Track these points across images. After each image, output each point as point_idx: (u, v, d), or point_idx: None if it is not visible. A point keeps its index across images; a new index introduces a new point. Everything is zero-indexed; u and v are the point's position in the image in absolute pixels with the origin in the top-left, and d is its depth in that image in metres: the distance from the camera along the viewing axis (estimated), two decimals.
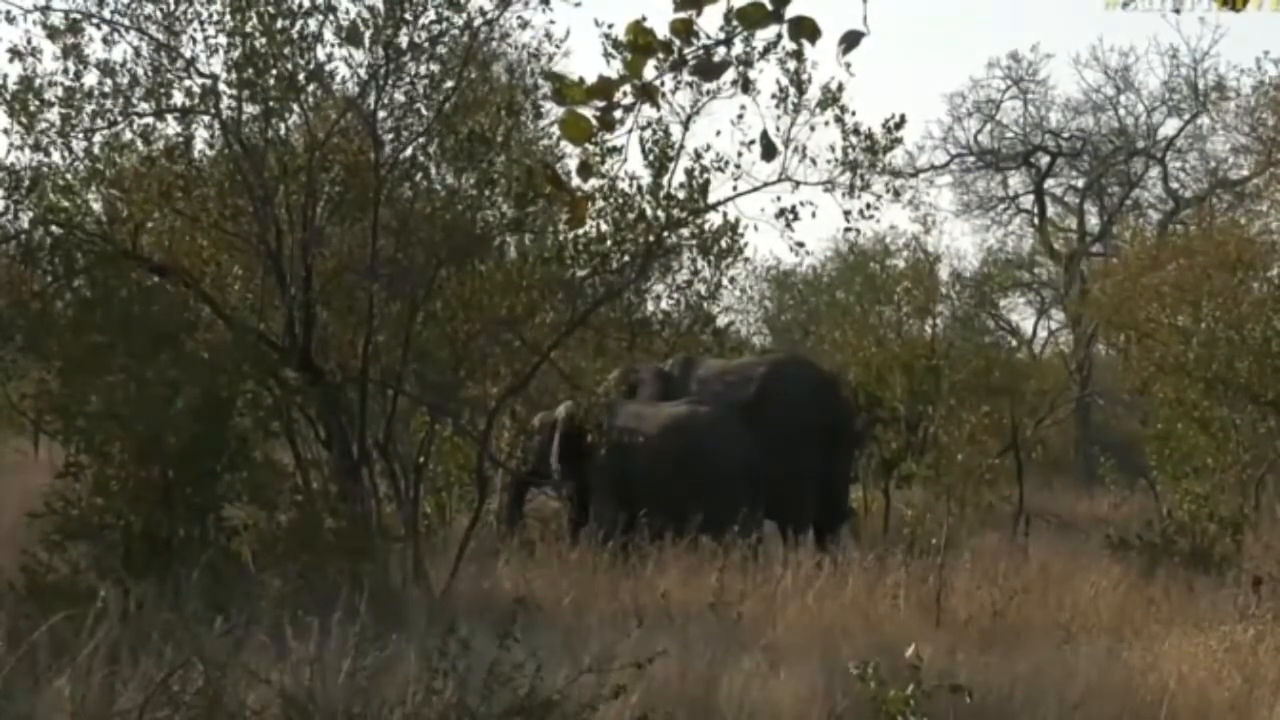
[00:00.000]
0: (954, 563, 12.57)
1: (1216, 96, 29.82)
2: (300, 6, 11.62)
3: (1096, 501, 22.64)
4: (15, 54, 11.80)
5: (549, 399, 16.74)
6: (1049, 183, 31.99)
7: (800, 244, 12.73)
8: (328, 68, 11.90)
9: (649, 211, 12.47)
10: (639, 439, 15.85)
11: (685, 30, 3.35)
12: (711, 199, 12.58)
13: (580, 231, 12.38)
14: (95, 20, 11.70)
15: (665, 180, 12.43)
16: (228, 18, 11.63)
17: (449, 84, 12.10)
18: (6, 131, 12.06)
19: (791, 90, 12.16)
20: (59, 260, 11.72)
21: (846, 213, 12.69)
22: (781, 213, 12.38)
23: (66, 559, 10.31)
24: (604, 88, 3.39)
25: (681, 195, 12.47)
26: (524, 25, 12.36)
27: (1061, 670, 9.45)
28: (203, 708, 6.52)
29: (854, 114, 12.46)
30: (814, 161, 12.45)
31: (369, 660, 6.96)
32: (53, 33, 11.69)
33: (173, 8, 11.62)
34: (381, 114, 12.10)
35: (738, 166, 12.35)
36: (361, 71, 11.88)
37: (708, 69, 3.41)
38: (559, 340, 12.83)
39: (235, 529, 10.86)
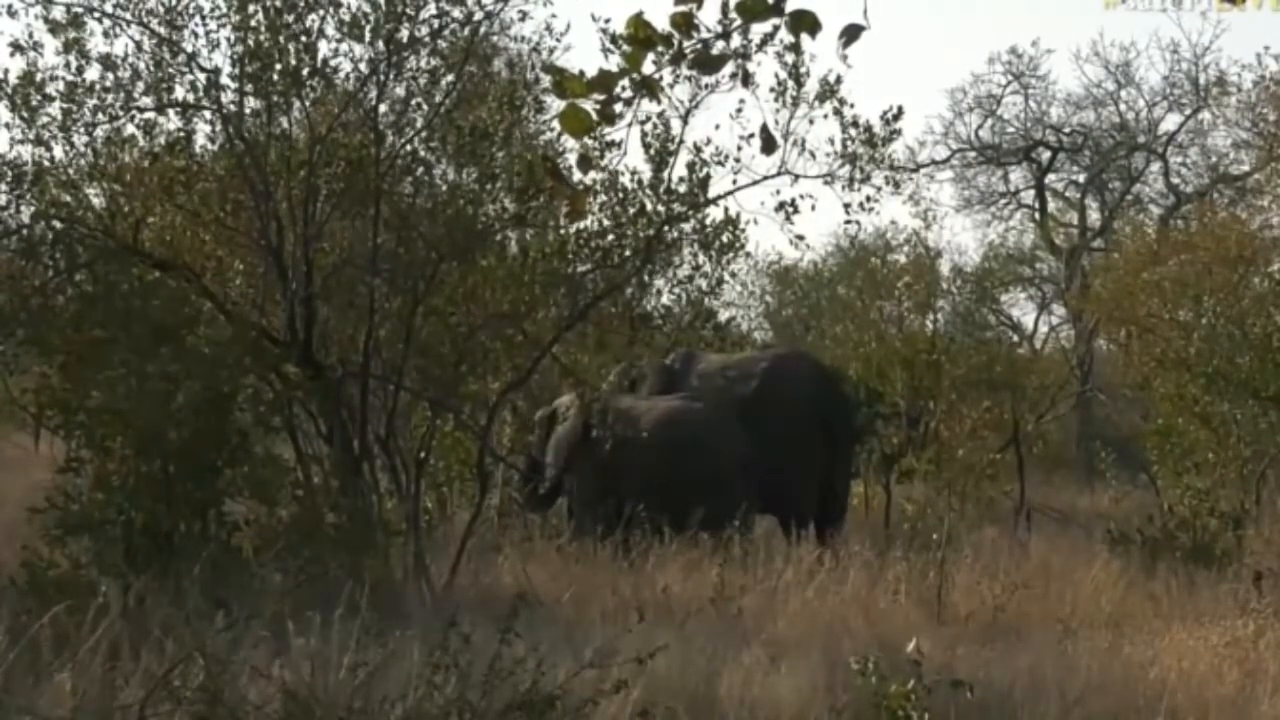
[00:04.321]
0: (955, 558, 12.57)
1: (1217, 91, 29.81)
2: (304, 0, 11.63)
3: (1097, 496, 22.66)
4: (17, 48, 11.82)
5: (550, 394, 16.76)
6: (1050, 178, 31.98)
7: (800, 237, 12.79)
8: (331, 62, 11.91)
9: (649, 206, 12.49)
10: (629, 433, 15.77)
11: (685, 24, 3.36)
12: (711, 193, 12.60)
13: (581, 226, 12.39)
14: (97, 14, 11.72)
15: (665, 174, 12.44)
16: (231, 13, 11.64)
17: (449, 79, 12.11)
18: (8, 126, 12.09)
19: (790, 83, 12.17)
20: (60, 255, 11.72)
21: (846, 205, 12.71)
22: (781, 206, 12.40)
23: (67, 554, 10.31)
24: (604, 81, 3.40)
25: (682, 189, 12.48)
26: (523, 17, 12.40)
27: (1062, 665, 9.45)
28: (204, 703, 6.52)
29: (852, 106, 12.49)
30: (813, 155, 12.48)
31: (370, 655, 6.96)
32: (54, 27, 11.70)
33: (174, 2, 11.62)
34: (383, 109, 12.11)
35: (737, 160, 12.37)
36: (362, 66, 11.89)
37: (707, 62, 3.41)
38: (560, 335, 12.83)
39: (236, 524, 10.85)
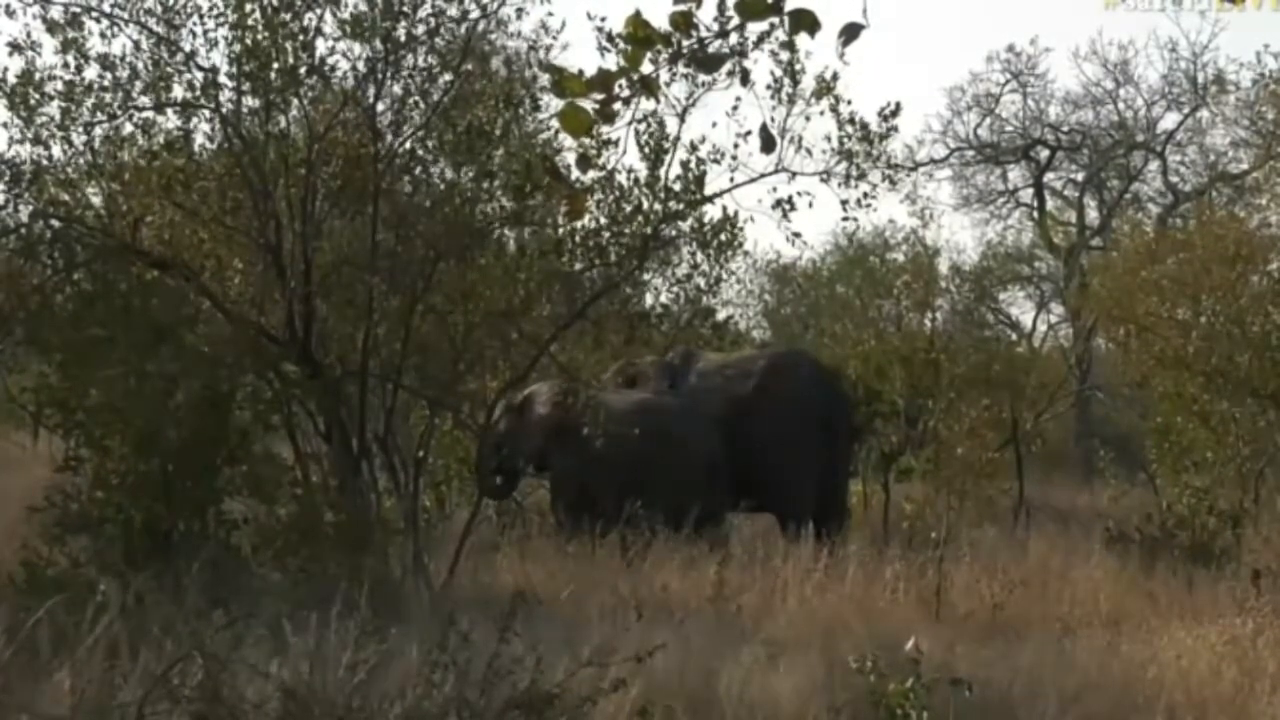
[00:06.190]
0: (953, 556, 12.57)
1: (1216, 90, 29.81)
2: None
3: (1096, 495, 22.64)
4: (15, 48, 11.82)
5: None
6: (1048, 176, 31.98)
7: (797, 234, 12.77)
8: (328, 61, 11.91)
9: (646, 204, 12.48)
10: (600, 427, 15.70)
11: (685, 23, 3.36)
12: (709, 191, 12.59)
13: (578, 224, 12.38)
14: (95, 14, 11.71)
15: (662, 172, 12.44)
16: (229, 11, 11.64)
17: (447, 77, 12.11)
18: (6, 125, 12.09)
19: (786, 81, 12.16)
20: (59, 254, 11.72)
21: (844, 203, 12.70)
22: (778, 204, 12.39)
23: (66, 553, 10.32)
24: (603, 80, 3.40)
25: (677, 187, 12.47)
26: (520, 15, 12.40)
27: (1061, 663, 9.46)
28: (203, 701, 6.52)
29: (849, 103, 12.49)
30: (809, 152, 12.47)
31: (368, 654, 6.95)
32: (52, 26, 11.70)
33: (172, 1, 11.62)
34: (380, 107, 12.11)
35: (734, 158, 12.36)
36: (360, 65, 11.90)
37: (706, 61, 3.41)
38: (557, 334, 12.83)
39: (235, 523, 10.86)
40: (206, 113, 12.09)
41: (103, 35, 11.70)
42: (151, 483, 10.49)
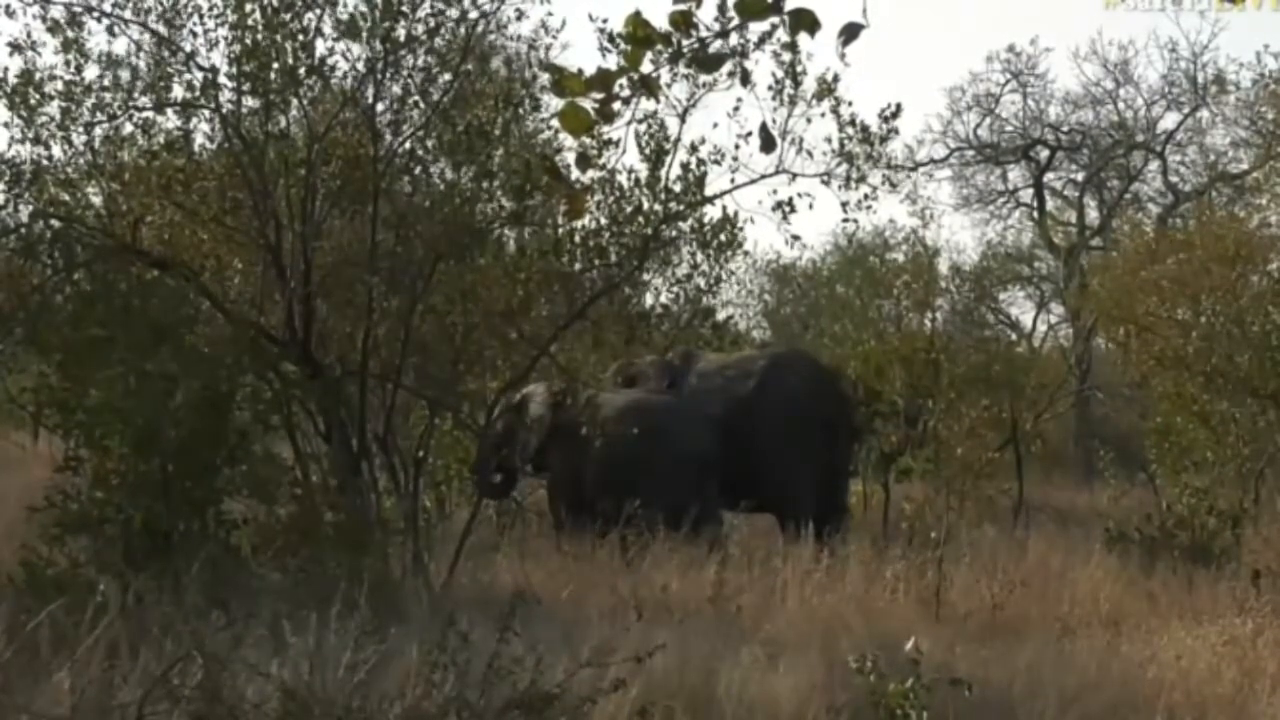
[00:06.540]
0: (953, 556, 12.56)
1: (1216, 90, 29.81)
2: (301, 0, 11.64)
3: (1096, 495, 22.63)
4: (15, 47, 11.84)
5: None
6: (1048, 176, 31.97)
7: (796, 236, 12.79)
8: (328, 61, 11.91)
9: (646, 204, 12.48)
10: (592, 426, 15.71)
11: (684, 22, 3.36)
12: (709, 192, 12.60)
13: (578, 225, 12.39)
14: (95, 14, 11.73)
15: (662, 173, 12.44)
16: (228, 12, 11.64)
17: (447, 77, 12.11)
18: (7, 125, 12.11)
19: (787, 82, 12.16)
20: (59, 254, 11.72)
21: (844, 204, 12.71)
22: (778, 205, 12.39)
23: (66, 553, 10.30)
24: (603, 79, 3.40)
25: (678, 188, 12.47)
26: (520, 16, 12.40)
27: (1060, 663, 9.46)
28: (202, 701, 6.51)
29: (850, 104, 12.49)
30: (810, 154, 12.47)
31: (368, 654, 6.95)
32: (53, 27, 11.71)
33: (172, 1, 11.63)
34: (380, 107, 12.11)
35: (734, 159, 12.37)
36: (360, 65, 11.90)
37: (706, 61, 3.41)
38: (557, 334, 12.83)
39: (235, 523, 10.85)
40: (206, 113, 12.10)
41: (109, 31, 11.72)
42: (151, 483, 10.47)
